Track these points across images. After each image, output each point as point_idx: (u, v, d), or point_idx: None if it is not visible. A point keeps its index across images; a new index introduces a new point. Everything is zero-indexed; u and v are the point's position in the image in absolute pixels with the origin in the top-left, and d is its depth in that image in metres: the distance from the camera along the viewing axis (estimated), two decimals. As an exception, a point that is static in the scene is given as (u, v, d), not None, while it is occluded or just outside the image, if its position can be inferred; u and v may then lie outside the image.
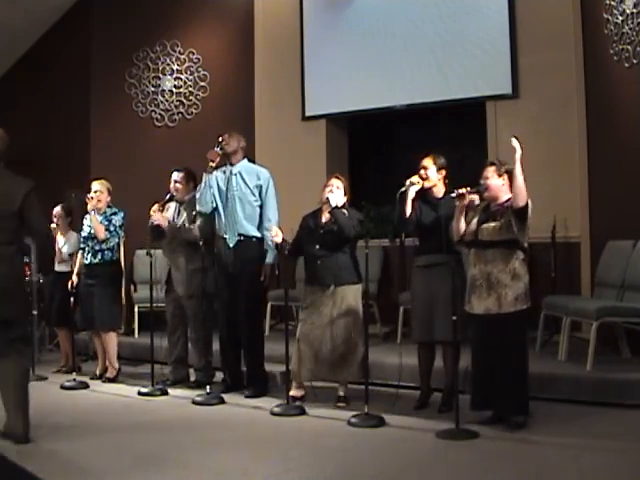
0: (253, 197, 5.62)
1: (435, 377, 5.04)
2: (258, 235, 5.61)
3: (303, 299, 5.32)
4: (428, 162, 4.97)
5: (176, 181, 5.98)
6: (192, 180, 6.00)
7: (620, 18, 6.06)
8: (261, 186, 5.63)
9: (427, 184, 4.95)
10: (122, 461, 3.98)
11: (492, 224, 4.45)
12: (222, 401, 5.35)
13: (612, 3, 6.18)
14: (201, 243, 5.57)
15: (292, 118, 8.37)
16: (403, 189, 4.90)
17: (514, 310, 4.38)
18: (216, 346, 5.80)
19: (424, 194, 4.98)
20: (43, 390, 6.00)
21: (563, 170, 6.90)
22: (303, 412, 4.96)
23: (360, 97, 7.99)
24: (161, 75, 8.81)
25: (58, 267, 6.51)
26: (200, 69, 8.81)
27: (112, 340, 6.27)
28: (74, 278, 6.39)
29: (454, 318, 4.42)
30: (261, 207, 5.64)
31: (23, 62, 9.39)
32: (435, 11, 7.63)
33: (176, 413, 5.18)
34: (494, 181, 4.50)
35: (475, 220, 4.54)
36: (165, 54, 8.81)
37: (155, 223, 5.86)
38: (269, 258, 5.60)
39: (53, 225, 6.53)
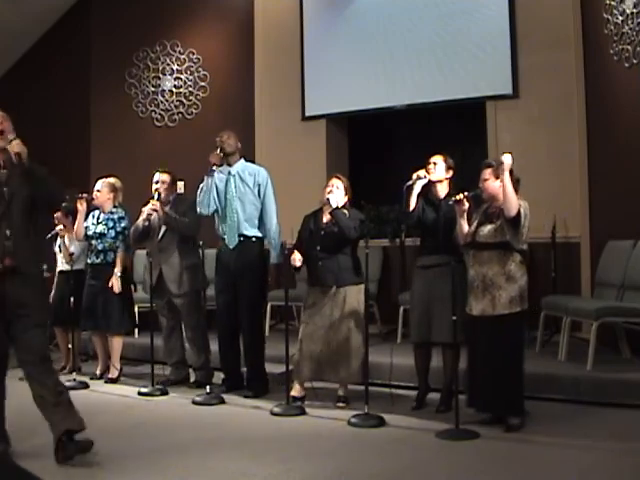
0: (253, 197, 5.62)
1: (433, 377, 5.04)
2: (258, 235, 5.62)
3: (305, 300, 5.32)
4: (438, 158, 4.98)
5: (164, 182, 5.96)
6: (175, 182, 6.09)
7: (620, 18, 6.05)
8: (259, 185, 5.64)
9: (434, 178, 4.94)
10: (122, 461, 3.98)
11: (488, 226, 4.46)
12: (222, 401, 5.34)
13: (612, 3, 6.18)
14: (201, 243, 5.57)
15: (292, 118, 8.36)
16: (409, 182, 4.90)
17: (508, 312, 4.37)
18: (215, 346, 5.79)
19: (428, 193, 4.98)
20: (43, 390, 6.01)
21: (563, 170, 6.90)
22: (303, 412, 4.96)
23: (360, 97, 7.98)
24: (161, 75, 8.81)
25: (65, 267, 6.47)
26: (200, 69, 8.81)
27: (118, 343, 6.26)
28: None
29: (454, 318, 4.43)
30: (261, 207, 5.65)
31: (23, 62, 9.40)
32: (435, 11, 7.63)
33: (176, 413, 5.17)
34: (491, 183, 4.50)
35: (475, 222, 4.56)
36: (165, 54, 8.81)
37: (145, 218, 5.82)
38: (274, 258, 5.61)
39: (60, 227, 6.53)
